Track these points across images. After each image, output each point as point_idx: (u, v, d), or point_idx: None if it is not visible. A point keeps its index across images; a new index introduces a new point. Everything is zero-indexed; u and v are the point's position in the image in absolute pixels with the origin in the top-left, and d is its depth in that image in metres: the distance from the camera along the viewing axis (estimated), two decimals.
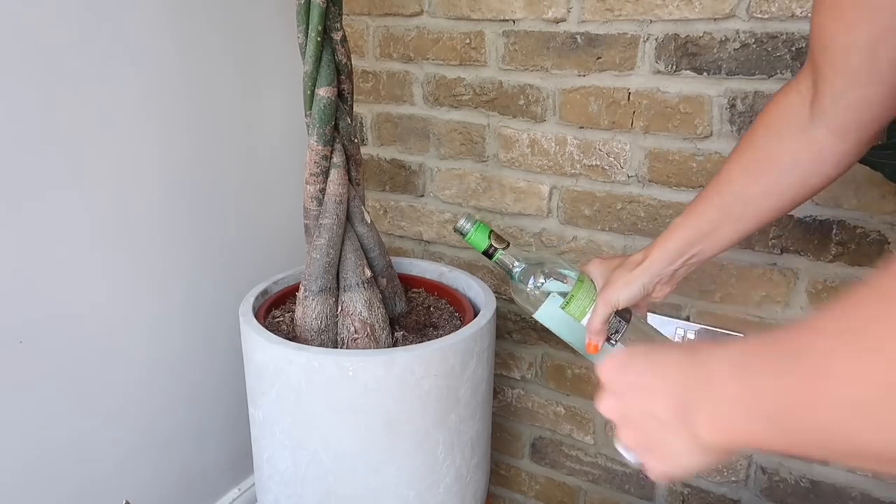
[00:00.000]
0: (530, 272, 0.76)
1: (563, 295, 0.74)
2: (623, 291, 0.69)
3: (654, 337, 0.76)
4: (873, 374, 0.22)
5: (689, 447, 0.35)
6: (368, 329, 0.86)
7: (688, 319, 1.03)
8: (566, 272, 0.76)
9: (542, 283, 0.75)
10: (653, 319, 1.04)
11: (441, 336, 0.84)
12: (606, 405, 0.43)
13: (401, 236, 1.27)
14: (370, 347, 0.86)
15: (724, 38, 0.89)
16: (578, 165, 1.04)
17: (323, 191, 0.86)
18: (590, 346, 0.72)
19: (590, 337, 0.72)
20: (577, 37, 0.99)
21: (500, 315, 1.19)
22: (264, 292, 0.95)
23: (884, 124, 0.53)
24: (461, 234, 0.78)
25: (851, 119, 0.53)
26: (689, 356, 0.35)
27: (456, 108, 1.12)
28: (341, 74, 0.84)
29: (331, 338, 0.87)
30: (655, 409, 0.37)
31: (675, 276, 0.70)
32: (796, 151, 0.59)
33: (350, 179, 0.89)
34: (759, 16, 0.87)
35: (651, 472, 0.40)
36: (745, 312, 0.98)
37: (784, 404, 0.26)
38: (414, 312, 0.98)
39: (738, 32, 0.88)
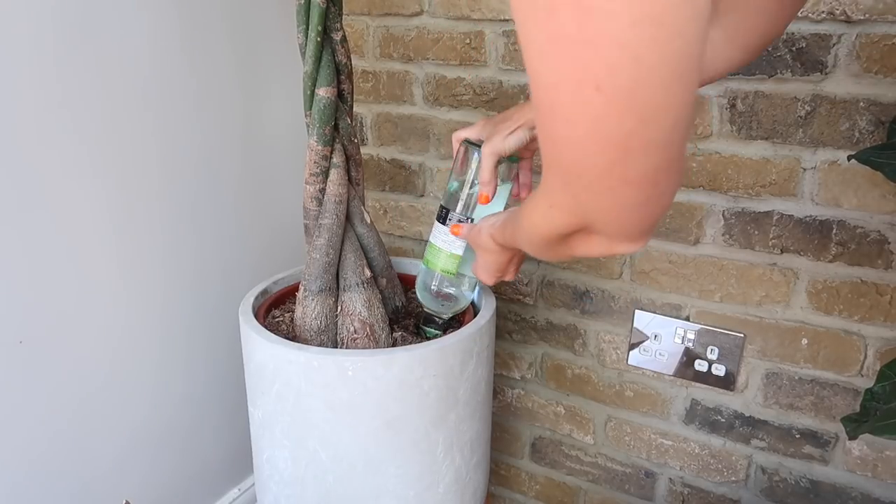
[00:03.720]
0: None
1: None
2: (510, 140, 0.74)
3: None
4: (524, 236, 0.52)
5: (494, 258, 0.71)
6: (368, 329, 0.86)
7: (688, 319, 1.03)
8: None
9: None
10: (652, 319, 1.05)
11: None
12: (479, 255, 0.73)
13: (401, 236, 1.27)
14: (370, 347, 0.86)
15: None
16: None
17: (323, 191, 0.86)
18: (481, 197, 0.77)
19: (480, 188, 0.77)
20: None
21: (499, 315, 1.19)
22: (264, 292, 0.95)
23: (772, 38, 0.62)
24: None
25: (742, 27, 0.60)
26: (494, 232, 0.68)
27: (456, 108, 1.12)
28: (341, 74, 0.84)
29: (330, 338, 0.87)
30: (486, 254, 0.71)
31: None
32: None
33: (350, 179, 0.89)
34: None
35: (486, 281, 0.74)
36: (745, 312, 0.98)
37: (513, 237, 0.61)
38: (413, 313, 0.98)
39: None
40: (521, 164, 0.81)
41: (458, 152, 0.82)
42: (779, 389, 0.99)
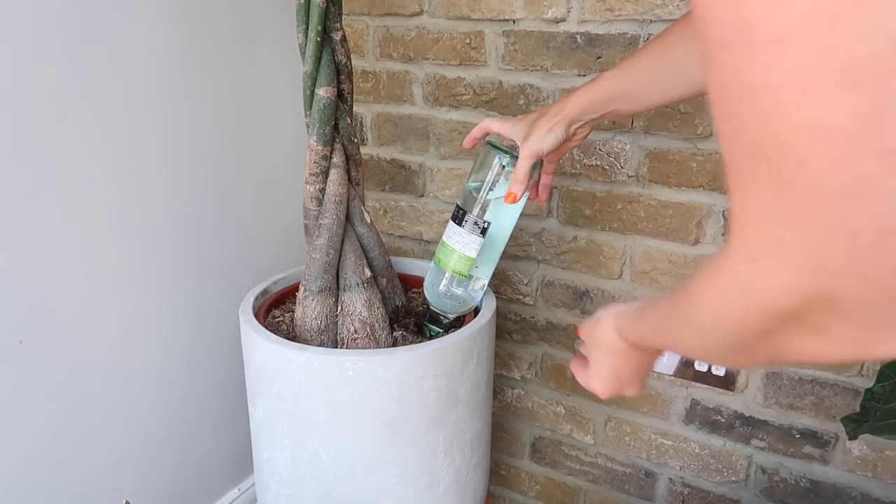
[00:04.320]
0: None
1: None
2: (547, 138, 0.72)
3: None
4: (691, 327, 0.35)
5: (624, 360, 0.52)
6: (368, 329, 0.86)
7: None
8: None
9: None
10: None
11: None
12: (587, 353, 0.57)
13: (401, 236, 1.27)
14: (370, 347, 0.86)
15: None
16: (578, 165, 1.04)
17: (323, 191, 0.86)
18: (508, 195, 0.76)
19: (511, 186, 0.75)
20: (577, 37, 0.99)
21: (500, 315, 1.19)
22: (264, 292, 0.95)
23: None
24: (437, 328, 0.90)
25: None
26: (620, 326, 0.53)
27: (456, 107, 1.12)
28: (341, 74, 0.84)
29: (330, 338, 0.87)
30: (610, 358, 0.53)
31: (593, 122, 0.73)
32: None
33: (350, 179, 0.89)
34: None
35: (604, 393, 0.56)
36: None
37: (658, 332, 0.43)
38: (414, 312, 0.98)
39: None
40: (545, 169, 0.81)
41: (478, 155, 0.82)
42: (779, 389, 0.99)
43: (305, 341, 0.86)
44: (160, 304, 0.98)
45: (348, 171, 0.88)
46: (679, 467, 1.11)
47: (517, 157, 0.79)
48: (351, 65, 0.85)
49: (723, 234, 0.96)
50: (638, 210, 1.02)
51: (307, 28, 0.79)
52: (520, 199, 0.76)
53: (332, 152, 0.85)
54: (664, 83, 0.66)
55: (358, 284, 0.87)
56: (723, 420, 1.04)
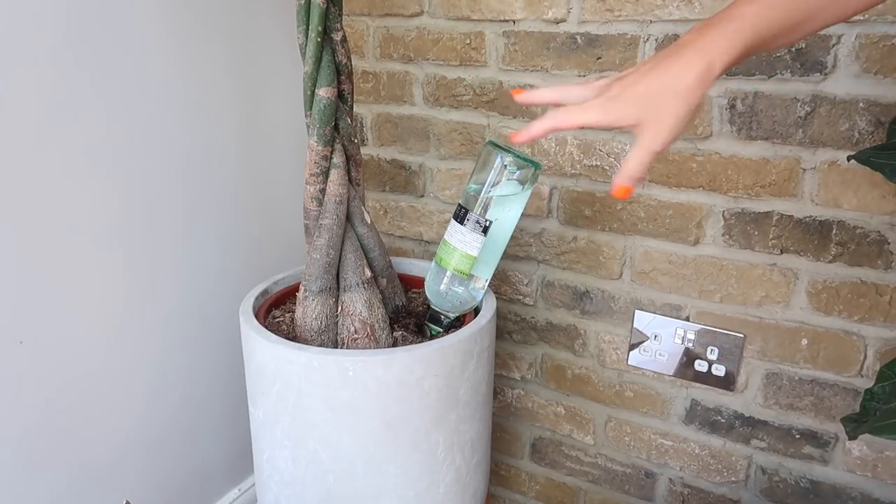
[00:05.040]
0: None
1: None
2: (675, 129, 0.53)
3: None
4: None
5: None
6: (368, 329, 0.86)
7: (687, 319, 1.03)
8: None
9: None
10: (652, 319, 1.05)
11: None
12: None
13: (401, 236, 1.27)
14: (370, 347, 0.86)
15: None
16: (579, 166, 1.04)
17: (323, 191, 0.86)
18: (622, 189, 0.56)
19: (625, 179, 0.56)
20: (578, 37, 0.99)
21: (500, 315, 1.19)
22: (264, 292, 0.95)
23: None
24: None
25: None
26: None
27: (456, 108, 1.13)
28: (341, 75, 0.84)
29: (331, 338, 0.87)
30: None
31: None
32: None
33: (350, 180, 0.89)
34: None
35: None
36: (745, 312, 0.98)
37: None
38: (414, 312, 0.98)
39: None
40: None
41: (479, 154, 0.82)
42: (779, 390, 0.99)
43: (305, 341, 0.86)
44: (160, 304, 0.98)
45: (348, 172, 0.88)
46: (679, 468, 1.11)
47: (520, 158, 0.80)
48: (351, 65, 0.85)
49: (723, 235, 0.97)
50: (638, 210, 1.02)
51: (307, 28, 0.80)
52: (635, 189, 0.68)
53: (332, 152, 0.85)
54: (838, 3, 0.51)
55: (358, 285, 0.87)
56: (723, 420, 1.04)
